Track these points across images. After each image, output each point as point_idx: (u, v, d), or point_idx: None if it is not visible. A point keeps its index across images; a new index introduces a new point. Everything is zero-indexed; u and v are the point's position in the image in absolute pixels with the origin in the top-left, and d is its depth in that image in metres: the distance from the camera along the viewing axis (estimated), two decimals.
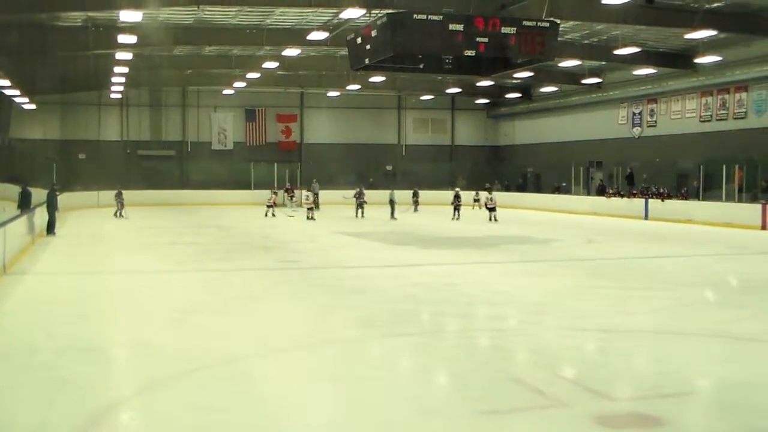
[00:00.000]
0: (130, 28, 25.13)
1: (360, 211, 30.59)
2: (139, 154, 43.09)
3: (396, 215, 29.99)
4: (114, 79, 36.13)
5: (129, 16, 22.43)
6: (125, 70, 32.83)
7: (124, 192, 30.61)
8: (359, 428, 5.89)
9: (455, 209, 30.10)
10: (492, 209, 29.32)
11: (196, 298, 11.57)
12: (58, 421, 6.04)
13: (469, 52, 18.18)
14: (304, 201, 30.71)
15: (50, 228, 21.36)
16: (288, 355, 8.14)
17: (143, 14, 22.65)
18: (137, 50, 29.14)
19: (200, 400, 6.48)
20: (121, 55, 29.14)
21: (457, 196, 30.77)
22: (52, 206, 21.64)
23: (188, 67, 36.62)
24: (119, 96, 41.96)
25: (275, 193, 33.41)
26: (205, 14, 26.24)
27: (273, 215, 30.90)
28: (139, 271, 15.05)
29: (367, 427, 5.91)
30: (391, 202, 30.39)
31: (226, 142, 45.43)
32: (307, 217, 29.25)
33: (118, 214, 29.29)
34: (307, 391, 6.76)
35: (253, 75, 36.56)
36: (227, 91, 42.97)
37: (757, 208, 25.78)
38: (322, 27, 26.85)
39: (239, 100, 44.54)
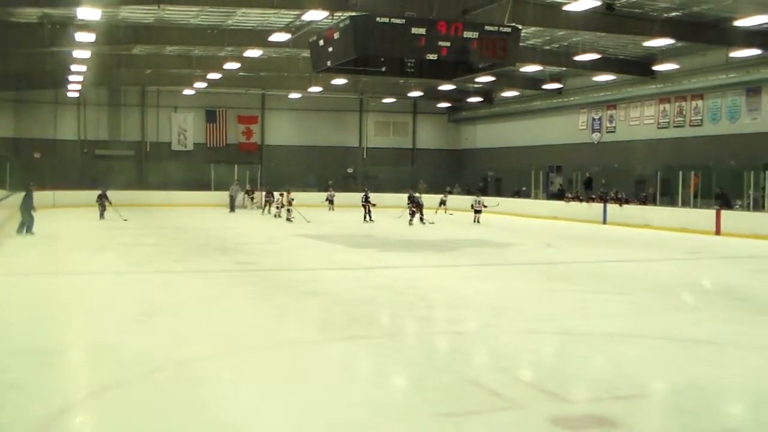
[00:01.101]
0: (88, 26, 24.75)
1: (368, 215, 30.00)
2: (96, 154, 42.53)
3: (428, 218, 28.58)
4: (71, 78, 35.61)
5: (87, 13, 22.08)
6: (83, 68, 32.37)
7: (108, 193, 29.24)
8: (316, 430, 5.85)
9: (411, 214, 28.47)
10: (479, 211, 29.85)
11: (153, 299, 11.42)
12: (6, 425, 5.87)
13: (432, 56, 18.19)
14: (278, 203, 30.61)
15: (27, 227, 20.96)
16: (245, 358, 8.06)
17: (102, 12, 22.34)
18: (95, 49, 28.73)
19: (156, 403, 6.38)
20: (78, 53, 28.71)
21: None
22: (27, 206, 21.27)
23: (148, 66, 36.18)
24: (76, 95, 41.37)
25: (282, 195, 31.77)
26: (166, 13, 25.95)
27: (284, 218, 29.99)
28: (94, 273, 14.82)
29: (323, 429, 5.87)
30: (419, 206, 28.83)
31: (186, 143, 45.02)
32: (287, 218, 29.23)
33: (102, 215, 28.16)
34: (263, 394, 6.70)
35: (214, 76, 36.27)
36: (188, 92, 42.60)
37: (711, 213, 26.20)
38: (285, 28, 26.73)
39: (200, 101, 44.18)
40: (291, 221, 28.74)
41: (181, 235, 22.91)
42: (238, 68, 33.66)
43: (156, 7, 23.92)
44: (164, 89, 43.08)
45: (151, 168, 43.33)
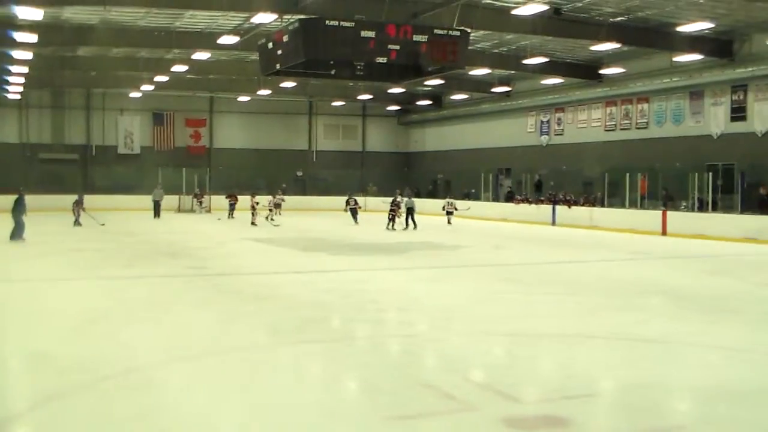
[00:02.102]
0: (30, 26, 24.20)
1: (355, 218, 30.33)
2: (40, 158, 41.61)
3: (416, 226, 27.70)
4: (12, 79, 34.79)
5: (28, 13, 21.59)
6: (25, 69, 31.65)
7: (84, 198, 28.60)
8: None
9: (390, 219, 27.75)
10: (450, 213, 30.06)
11: (99, 306, 11.19)
12: None
13: (381, 59, 18.22)
14: (264, 205, 30.33)
15: (18, 234, 20.56)
16: (194, 363, 7.93)
17: (44, 12, 21.86)
18: (38, 50, 28.11)
19: (103, 412, 6.24)
20: (20, 54, 28.05)
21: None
22: (19, 211, 20.78)
23: (93, 68, 35.51)
24: (18, 96, 40.43)
25: (274, 197, 31.85)
26: (112, 15, 25.50)
27: (272, 219, 29.72)
28: (38, 279, 14.46)
29: None
30: (410, 210, 28.05)
31: (133, 146, 44.38)
32: (251, 222, 29.16)
33: (76, 222, 27.38)
34: (213, 399, 6.58)
35: (161, 78, 35.82)
36: (134, 94, 42.00)
37: (657, 214, 26.70)
38: (233, 31, 26.51)
39: (147, 104, 43.58)
40: (255, 225, 28.55)
41: (130, 240, 22.55)
42: (186, 71, 33.31)
43: (101, 8, 23.49)
44: (110, 91, 42.38)
45: (97, 172, 42.62)
